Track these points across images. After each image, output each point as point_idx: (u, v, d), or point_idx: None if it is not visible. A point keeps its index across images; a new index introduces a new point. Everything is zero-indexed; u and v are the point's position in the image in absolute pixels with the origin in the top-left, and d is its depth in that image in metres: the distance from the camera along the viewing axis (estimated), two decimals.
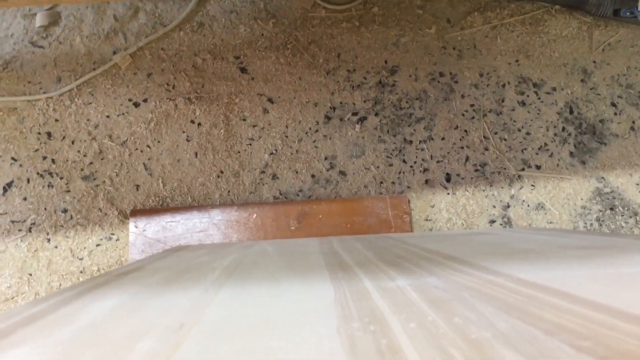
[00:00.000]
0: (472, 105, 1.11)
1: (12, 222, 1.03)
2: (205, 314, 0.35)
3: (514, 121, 1.11)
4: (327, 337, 0.28)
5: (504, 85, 1.12)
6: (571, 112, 1.12)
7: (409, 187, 1.08)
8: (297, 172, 1.08)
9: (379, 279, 0.45)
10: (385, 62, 1.12)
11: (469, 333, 0.28)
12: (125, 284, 0.54)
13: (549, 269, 0.45)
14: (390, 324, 0.31)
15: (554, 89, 1.13)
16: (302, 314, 0.34)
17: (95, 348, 0.29)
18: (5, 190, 1.04)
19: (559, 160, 1.10)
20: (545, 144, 1.10)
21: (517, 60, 1.14)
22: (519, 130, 1.11)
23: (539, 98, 1.12)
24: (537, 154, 1.10)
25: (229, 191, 1.06)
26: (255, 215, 1.04)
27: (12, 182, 1.04)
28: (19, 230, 1.03)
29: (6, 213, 1.03)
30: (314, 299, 0.39)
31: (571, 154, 1.10)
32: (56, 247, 1.02)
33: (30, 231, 1.03)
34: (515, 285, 0.39)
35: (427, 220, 1.06)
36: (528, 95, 1.12)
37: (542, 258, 0.51)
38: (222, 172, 1.07)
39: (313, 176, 1.08)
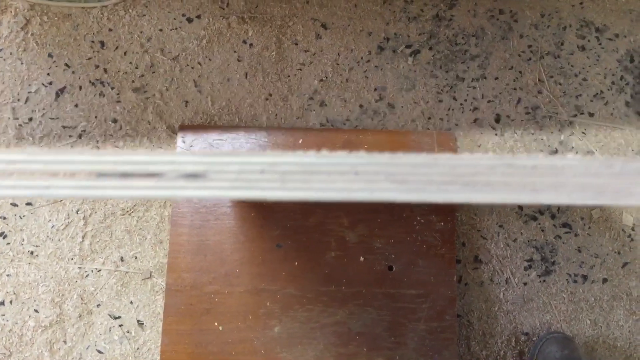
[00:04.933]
0: (529, 46, 1.09)
1: (64, 127, 1.04)
2: None
3: (572, 66, 1.08)
4: None
5: (565, 28, 1.09)
6: (632, 60, 1.09)
7: (457, 124, 1.07)
8: (345, 101, 1.07)
9: None
10: None
11: None
12: None
13: None
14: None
15: (617, 35, 1.09)
16: None
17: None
18: (57, 95, 1.05)
19: (613, 109, 1.07)
20: (601, 92, 1.08)
21: (581, 3, 1.10)
22: (576, 75, 1.08)
23: (600, 44, 1.09)
24: (591, 101, 1.07)
25: (276, 114, 1.06)
26: (301, 140, 1.04)
27: (64, 87, 1.05)
28: (70, 136, 1.04)
29: (58, 118, 1.05)
30: None
31: (627, 103, 1.07)
32: None
33: (80, 138, 1.04)
34: None
35: None
36: (589, 40, 1.09)
37: None
38: (270, 94, 1.07)
39: (361, 106, 1.07)
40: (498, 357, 1.00)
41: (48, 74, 1.06)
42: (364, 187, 0.20)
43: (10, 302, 0.99)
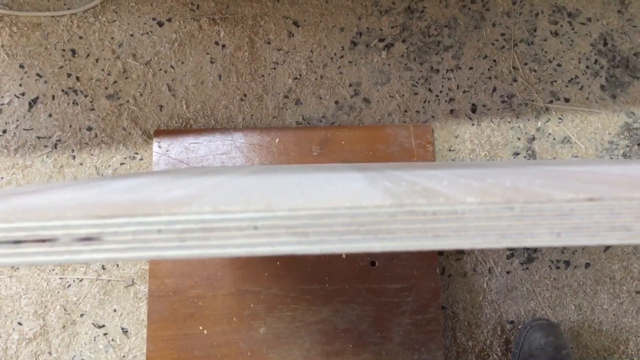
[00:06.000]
0: (502, 35, 1.08)
1: (38, 137, 1.04)
2: (237, 180, 0.35)
3: (545, 52, 1.08)
4: (361, 186, 0.28)
5: (537, 14, 1.09)
6: (605, 44, 1.08)
7: (433, 116, 1.06)
8: (320, 98, 1.07)
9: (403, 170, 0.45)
10: None
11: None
12: (153, 174, 0.54)
13: None
14: (420, 182, 0.30)
15: (589, 19, 1.09)
16: (333, 182, 0.34)
17: (141, 193, 0.29)
18: (30, 106, 1.04)
19: (589, 93, 1.07)
20: (576, 77, 1.08)
21: None
22: (550, 61, 1.08)
23: (573, 28, 1.09)
24: (566, 86, 1.07)
25: (252, 115, 1.06)
26: (277, 139, 1.04)
27: (37, 98, 1.05)
28: (45, 146, 1.04)
29: (32, 129, 1.04)
30: (343, 177, 0.39)
31: (602, 87, 1.07)
32: (81, 164, 1.03)
33: (55, 147, 1.04)
34: None
35: (450, 150, 1.05)
36: (562, 25, 1.09)
37: None
38: (245, 95, 1.06)
39: (337, 102, 1.07)
40: (484, 346, 1.00)
41: (20, 85, 1.05)
42: (264, 241, 0.20)
43: None
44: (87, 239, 0.20)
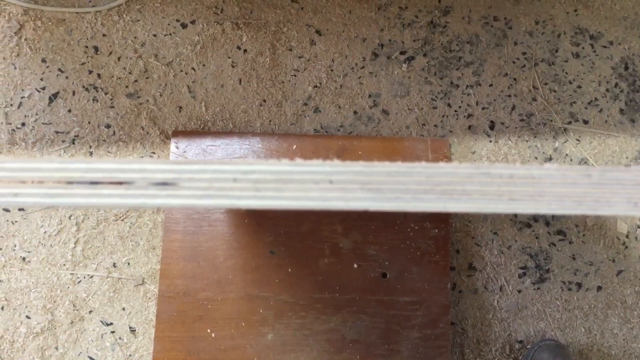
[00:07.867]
0: (524, 53, 1.09)
1: (56, 132, 1.04)
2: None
3: (566, 73, 1.08)
4: None
5: (559, 35, 1.09)
6: (626, 68, 1.09)
7: (451, 131, 1.06)
8: (339, 107, 1.07)
9: None
10: (439, 1, 1.10)
11: None
12: None
13: None
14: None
15: (611, 42, 1.09)
16: None
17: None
18: (51, 100, 1.05)
19: (607, 116, 1.07)
20: (596, 99, 1.08)
21: (575, 10, 1.10)
22: (570, 82, 1.08)
23: (594, 51, 1.09)
24: (586, 108, 1.07)
25: (270, 120, 1.06)
26: (295, 146, 1.04)
27: (57, 93, 1.05)
28: (63, 141, 1.04)
29: (51, 123, 1.04)
30: None
31: (621, 111, 1.07)
32: None
33: (73, 143, 1.04)
34: None
35: None
36: (583, 47, 1.09)
37: None
38: (264, 100, 1.07)
39: (355, 112, 1.07)
40: None
41: (41, 79, 1.05)
42: (338, 196, 0.20)
43: (2, 308, 0.98)
44: (163, 183, 0.20)
